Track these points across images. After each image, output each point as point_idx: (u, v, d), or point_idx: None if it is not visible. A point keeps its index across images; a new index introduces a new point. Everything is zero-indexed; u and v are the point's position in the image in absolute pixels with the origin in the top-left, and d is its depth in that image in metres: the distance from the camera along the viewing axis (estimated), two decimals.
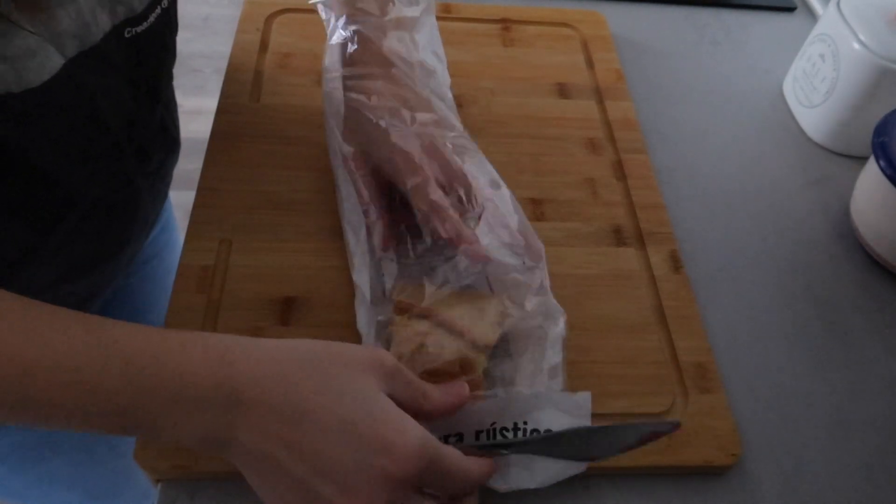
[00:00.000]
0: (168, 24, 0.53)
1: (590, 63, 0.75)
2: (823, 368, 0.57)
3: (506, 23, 0.77)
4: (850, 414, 0.55)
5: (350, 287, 0.54)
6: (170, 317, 0.51)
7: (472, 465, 0.39)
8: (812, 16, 0.88)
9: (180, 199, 1.66)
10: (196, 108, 1.89)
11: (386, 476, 0.35)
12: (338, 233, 0.57)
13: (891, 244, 0.62)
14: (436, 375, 0.45)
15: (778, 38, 0.85)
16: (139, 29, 0.48)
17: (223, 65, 0.70)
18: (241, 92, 0.66)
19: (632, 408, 0.51)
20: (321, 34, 0.72)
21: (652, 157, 0.68)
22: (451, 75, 0.71)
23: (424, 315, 0.47)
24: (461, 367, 0.45)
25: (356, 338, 0.51)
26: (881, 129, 0.61)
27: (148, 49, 0.51)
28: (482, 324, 0.47)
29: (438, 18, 0.76)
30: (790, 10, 0.88)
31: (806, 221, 0.67)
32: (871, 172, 0.62)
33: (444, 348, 0.46)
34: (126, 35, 0.47)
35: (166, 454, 0.45)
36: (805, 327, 0.59)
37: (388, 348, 0.47)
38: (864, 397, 0.56)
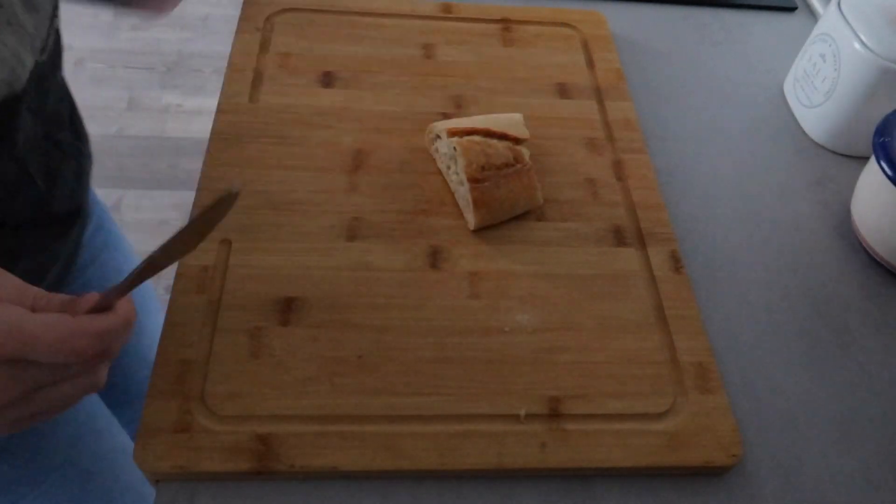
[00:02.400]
0: None
1: (590, 63, 0.75)
2: (823, 368, 0.57)
3: (506, 23, 0.77)
4: (850, 414, 0.55)
5: (348, 286, 0.54)
6: (170, 317, 0.51)
7: (80, 326, 0.36)
8: (812, 16, 0.88)
9: (180, 199, 1.67)
10: (196, 108, 1.90)
11: None
12: (338, 233, 0.57)
13: (891, 244, 0.62)
14: (501, 168, 0.58)
15: (778, 38, 0.85)
16: None
17: (223, 65, 0.70)
18: (241, 92, 0.66)
19: (632, 408, 0.51)
20: (321, 34, 0.73)
21: (652, 157, 0.68)
22: (451, 75, 0.71)
23: (471, 132, 0.60)
24: (515, 158, 0.59)
25: (357, 339, 0.51)
26: (882, 130, 0.61)
27: None
28: (513, 125, 0.61)
29: (438, 18, 0.77)
30: (790, 10, 0.88)
31: (806, 221, 0.67)
32: (872, 173, 0.62)
33: (500, 148, 0.59)
34: None
35: (166, 454, 0.45)
36: (805, 327, 0.59)
37: (463, 167, 0.58)
38: (864, 397, 0.56)
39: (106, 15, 1.94)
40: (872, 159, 0.62)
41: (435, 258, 0.57)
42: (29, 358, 0.36)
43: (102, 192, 1.61)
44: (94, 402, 0.72)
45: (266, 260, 0.55)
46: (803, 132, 0.74)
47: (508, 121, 0.62)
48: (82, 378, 0.39)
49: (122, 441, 0.75)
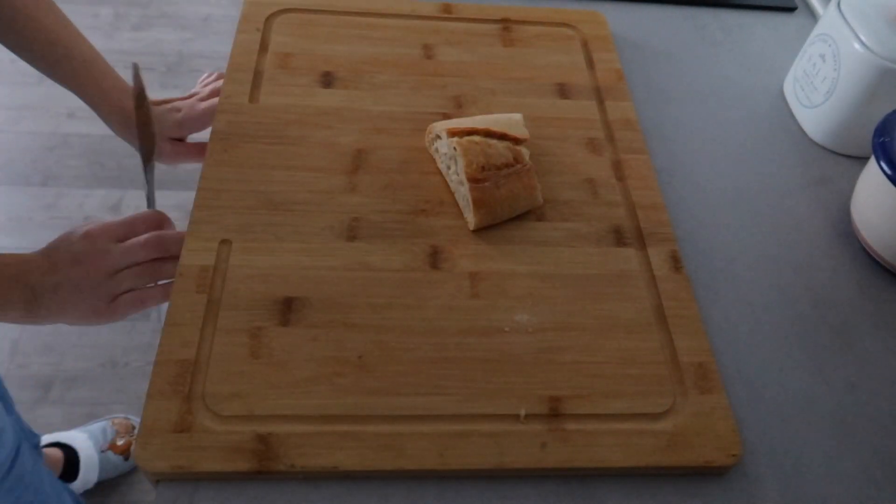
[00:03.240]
0: None
1: (590, 63, 0.75)
2: (823, 368, 0.57)
3: (506, 23, 0.77)
4: (850, 414, 0.55)
5: (348, 286, 0.54)
6: (170, 317, 0.51)
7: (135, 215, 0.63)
8: (812, 16, 0.88)
9: (180, 199, 1.67)
10: None
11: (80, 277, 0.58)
12: (338, 233, 0.57)
13: (891, 244, 0.62)
14: (501, 168, 0.58)
15: (778, 38, 0.85)
16: None
17: (223, 65, 0.70)
18: (241, 92, 0.66)
19: (632, 408, 0.51)
20: (321, 34, 0.73)
21: (652, 157, 0.68)
22: (451, 75, 0.71)
23: (471, 132, 0.60)
24: (515, 158, 0.59)
25: (357, 339, 0.51)
26: (881, 130, 0.61)
27: None
28: (513, 125, 0.62)
29: (438, 18, 0.77)
30: (790, 10, 0.88)
31: (806, 221, 0.67)
32: (872, 173, 0.62)
33: (500, 148, 0.59)
34: None
35: (166, 454, 0.45)
36: (805, 327, 0.59)
37: (463, 167, 0.58)
38: (864, 397, 0.56)
39: (106, 15, 1.95)
40: (872, 159, 0.62)
41: (435, 258, 0.57)
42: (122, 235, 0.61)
43: (102, 192, 1.61)
44: None
45: (266, 260, 0.55)
46: (803, 132, 0.74)
47: (508, 121, 0.62)
48: (149, 270, 0.60)
49: None
